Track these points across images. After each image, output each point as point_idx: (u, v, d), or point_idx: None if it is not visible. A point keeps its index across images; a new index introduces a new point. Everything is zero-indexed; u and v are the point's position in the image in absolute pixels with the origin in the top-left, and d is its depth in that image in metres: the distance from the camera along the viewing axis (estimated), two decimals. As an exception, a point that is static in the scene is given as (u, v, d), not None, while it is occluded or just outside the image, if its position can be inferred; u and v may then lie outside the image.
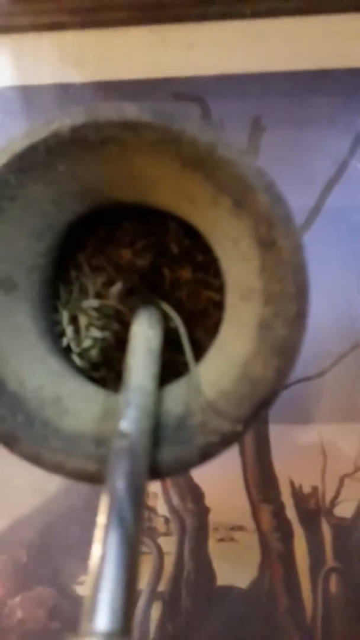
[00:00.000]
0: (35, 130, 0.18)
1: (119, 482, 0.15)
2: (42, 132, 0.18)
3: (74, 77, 0.34)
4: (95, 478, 0.17)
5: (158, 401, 0.19)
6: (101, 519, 0.14)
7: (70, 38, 0.34)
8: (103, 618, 0.12)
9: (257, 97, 0.35)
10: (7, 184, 0.18)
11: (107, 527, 0.14)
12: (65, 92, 0.33)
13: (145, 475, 0.16)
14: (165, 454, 0.17)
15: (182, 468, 0.17)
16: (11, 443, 0.17)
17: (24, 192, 0.19)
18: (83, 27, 0.34)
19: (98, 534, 0.14)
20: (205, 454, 0.17)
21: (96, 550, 0.14)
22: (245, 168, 0.17)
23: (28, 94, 0.33)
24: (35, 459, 0.17)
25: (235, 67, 0.35)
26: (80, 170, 0.19)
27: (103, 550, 0.13)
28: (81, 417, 0.19)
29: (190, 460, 0.17)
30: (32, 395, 0.18)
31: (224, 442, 0.17)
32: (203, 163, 0.18)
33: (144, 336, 0.20)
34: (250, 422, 0.17)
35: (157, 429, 0.18)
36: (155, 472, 0.17)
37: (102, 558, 0.13)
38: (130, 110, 0.18)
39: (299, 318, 0.17)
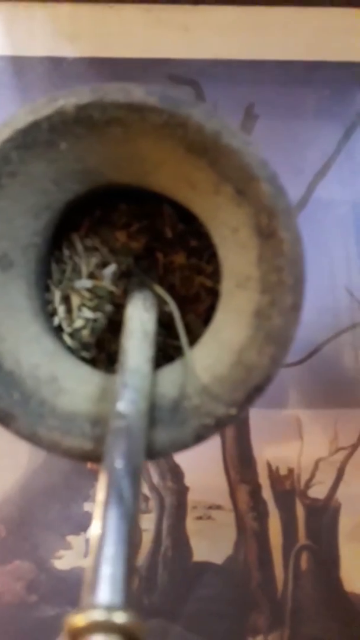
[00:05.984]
0: (39, 106, 0.18)
1: (118, 461, 0.15)
2: (46, 109, 0.18)
3: (67, 51, 0.33)
4: (91, 457, 0.17)
5: (153, 384, 0.19)
6: (100, 496, 0.15)
7: (65, 11, 0.33)
8: (105, 592, 0.13)
9: (250, 84, 0.35)
10: (8, 160, 0.18)
11: (106, 504, 0.14)
12: (57, 66, 0.33)
13: (142, 455, 0.16)
14: (160, 435, 0.18)
15: (176, 448, 0.18)
16: (7, 421, 0.17)
17: (24, 169, 0.19)
18: (78, 0, 0.33)
19: (97, 510, 0.15)
20: (200, 436, 0.18)
21: (96, 526, 0.14)
22: (249, 158, 0.18)
23: (19, 65, 0.32)
24: (32, 437, 0.17)
25: (230, 53, 0.35)
26: (82, 149, 0.19)
27: (103, 526, 0.14)
28: (76, 397, 0.19)
29: (185, 441, 0.18)
30: (28, 374, 0.18)
31: (218, 424, 0.18)
32: (207, 150, 0.18)
33: (140, 319, 0.20)
34: (244, 406, 0.18)
35: (153, 411, 0.18)
36: (151, 452, 0.17)
37: (102, 534, 0.14)
38: (137, 92, 0.18)
39: (294, 309, 0.18)
